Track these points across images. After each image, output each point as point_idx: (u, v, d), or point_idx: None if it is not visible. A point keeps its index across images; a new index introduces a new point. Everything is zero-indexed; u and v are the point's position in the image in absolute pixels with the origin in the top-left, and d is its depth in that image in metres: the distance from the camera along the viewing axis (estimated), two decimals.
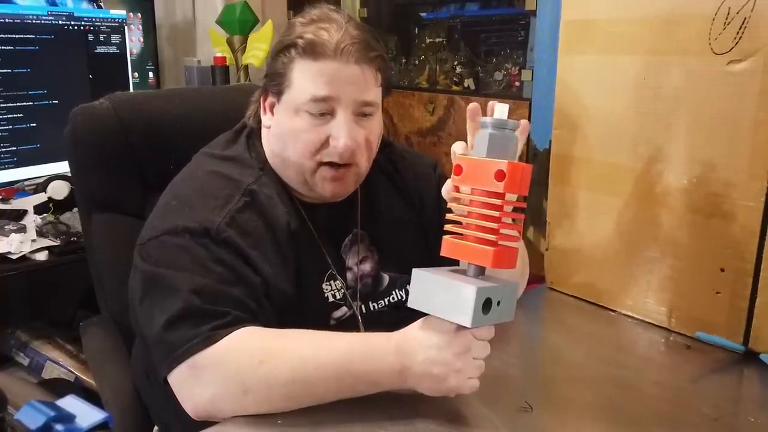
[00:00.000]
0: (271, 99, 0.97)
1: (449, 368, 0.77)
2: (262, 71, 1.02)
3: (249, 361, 0.80)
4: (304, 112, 0.91)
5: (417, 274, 0.79)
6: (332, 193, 0.96)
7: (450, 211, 0.81)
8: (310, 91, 0.90)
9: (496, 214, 0.75)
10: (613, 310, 1.15)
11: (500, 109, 0.78)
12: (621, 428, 0.84)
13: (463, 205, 0.78)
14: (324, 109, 0.91)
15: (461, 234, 0.77)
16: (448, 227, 0.79)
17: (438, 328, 0.78)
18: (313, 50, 0.90)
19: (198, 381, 0.81)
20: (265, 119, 0.98)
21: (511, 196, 0.75)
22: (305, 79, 0.91)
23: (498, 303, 0.76)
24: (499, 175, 0.74)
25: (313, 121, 0.91)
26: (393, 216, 1.07)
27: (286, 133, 0.94)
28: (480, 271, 0.78)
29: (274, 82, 0.94)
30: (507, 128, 0.77)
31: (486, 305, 0.74)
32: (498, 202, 0.75)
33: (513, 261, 0.78)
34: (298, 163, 0.94)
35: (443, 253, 0.78)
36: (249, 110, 1.03)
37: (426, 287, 0.77)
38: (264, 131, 1.00)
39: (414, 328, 0.80)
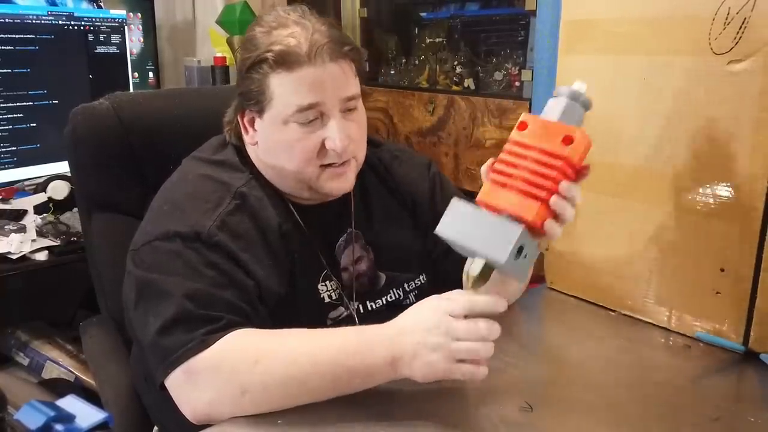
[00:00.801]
0: (249, 115, 0.95)
1: (437, 351, 0.77)
2: None
3: (244, 361, 0.80)
4: (292, 123, 0.90)
5: (456, 205, 0.78)
6: (341, 191, 0.96)
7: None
8: (295, 102, 0.89)
9: (554, 173, 0.75)
10: (613, 310, 1.15)
11: (579, 84, 0.81)
12: (621, 428, 0.84)
13: (516, 158, 0.78)
14: (312, 116, 0.90)
15: (506, 184, 0.77)
16: (493, 176, 0.79)
17: (426, 313, 0.78)
18: (285, 61, 0.88)
19: (195, 385, 0.81)
20: (249, 137, 0.97)
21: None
22: (286, 91, 0.89)
23: (525, 256, 0.76)
24: (567, 140, 0.76)
25: (303, 129, 0.91)
26: (386, 215, 1.07)
27: (278, 146, 0.93)
28: None
29: (252, 100, 0.92)
30: (579, 102, 0.80)
31: (518, 252, 0.74)
32: (559, 163, 0.75)
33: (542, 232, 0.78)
34: (297, 171, 0.93)
35: (481, 197, 0.78)
36: (225, 130, 1.01)
37: (463, 219, 0.77)
38: (250, 148, 0.98)
39: (404, 317, 0.81)
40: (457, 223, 0.78)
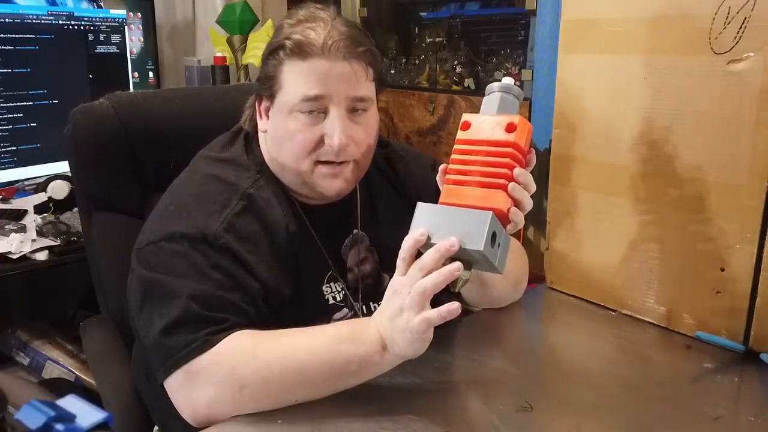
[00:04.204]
0: (265, 103, 0.96)
1: (405, 309, 0.76)
2: None
3: (243, 357, 0.81)
4: (297, 113, 0.91)
5: (422, 206, 0.80)
6: (334, 191, 0.95)
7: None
8: (301, 91, 0.90)
9: (506, 160, 0.78)
10: (613, 310, 1.15)
11: (507, 79, 0.85)
12: (621, 428, 0.84)
13: (467, 156, 0.81)
14: (316, 108, 0.90)
15: (464, 182, 0.80)
16: (449, 178, 0.81)
17: (387, 294, 0.79)
18: (300, 50, 0.89)
19: (195, 386, 0.81)
20: (261, 124, 0.98)
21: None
22: (295, 79, 0.90)
23: (498, 245, 0.77)
24: (510, 127, 0.79)
25: (306, 121, 0.91)
26: (392, 216, 1.06)
27: (281, 136, 0.94)
28: None
29: (266, 85, 0.94)
30: (512, 93, 0.84)
31: (492, 239, 0.75)
32: (509, 150, 0.79)
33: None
34: (295, 164, 0.93)
35: (444, 200, 0.80)
36: (244, 115, 1.03)
37: (432, 217, 0.78)
38: (261, 136, 0.99)
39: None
40: (426, 223, 0.78)
